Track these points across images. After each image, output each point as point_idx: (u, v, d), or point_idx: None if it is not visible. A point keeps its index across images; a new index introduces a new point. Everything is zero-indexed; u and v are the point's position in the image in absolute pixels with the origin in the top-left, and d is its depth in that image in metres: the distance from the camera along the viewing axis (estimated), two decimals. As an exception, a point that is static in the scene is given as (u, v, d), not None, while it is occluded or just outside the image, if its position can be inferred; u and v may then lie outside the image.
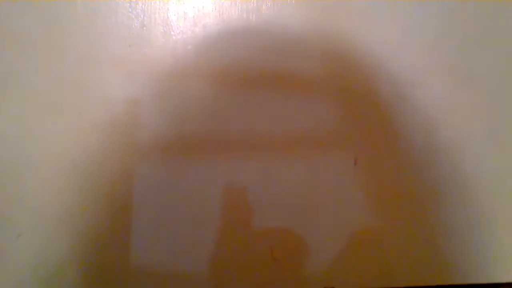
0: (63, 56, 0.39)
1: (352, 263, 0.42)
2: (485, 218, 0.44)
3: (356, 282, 0.42)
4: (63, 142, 0.39)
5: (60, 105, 0.39)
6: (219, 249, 0.40)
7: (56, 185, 0.39)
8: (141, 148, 0.40)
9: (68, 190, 0.39)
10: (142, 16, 0.40)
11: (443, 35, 0.44)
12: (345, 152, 0.42)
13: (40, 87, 0.39)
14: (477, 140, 0.44)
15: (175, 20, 0.41)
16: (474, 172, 0.44)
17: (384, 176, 0.43)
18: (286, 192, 0.42)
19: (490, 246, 0.44)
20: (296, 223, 0.42)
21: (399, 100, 0.43)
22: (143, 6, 0.40)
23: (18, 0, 0.39)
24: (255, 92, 0.42)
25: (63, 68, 0.39)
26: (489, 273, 0.43)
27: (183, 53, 0.41)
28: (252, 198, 0.41)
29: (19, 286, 0.38)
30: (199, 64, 0.41)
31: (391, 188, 0.43)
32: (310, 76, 0.42)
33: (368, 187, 0.42)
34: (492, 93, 0.44)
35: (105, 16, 0.40)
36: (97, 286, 0.39)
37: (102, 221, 0.39)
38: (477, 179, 0.44)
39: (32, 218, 0.38)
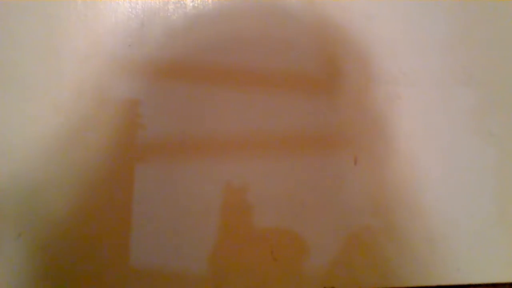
0: (63, 56, 0.39)
1: (352, 263, 0.42)
2: (485, 218, 0.44)
3: (356, 282, 0.42)
4: (63, 142, 0.39)
5: (60, 105, 0.39)
6: (219, 249, 0.40)
7: (56, 185, 0.39)
8: (141, 148, 0.40)
9: (68, 190, 0.39)
10: (142, 16, 0.40)
11: (443, 35, 0.44)
12: (345, 152, 0.42)
13: (40, 87, 0.39)
14: (477, 140, 0.44)
15: (175, 20, 0.41)
16: (474, 172, 0.44)
17: (384, 176, 0.43)
18: (286, 192, 0.42)
19: (490, 246, 0.44)
20: (296, 223, 0.42)
21: (399, 100, 0.43)
22: (143, 6, 0.40)
23: (18, 0, 0.39)
24: (255, 92, 0.42)
25: (63, 68, 0.39)
26: (489, 273, 0.43)
27: (183, 53, 0.41)
28: (252, 198, 0.41)
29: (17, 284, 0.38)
30: (199, 64, 0.41)
31: (391, 188, 0.43)
32: (310, 76, 0.42)
33: (368, 187, 0.42)
34: (492, 93, 0.44)
35: (105, 16, 0.40)
36: (97, 286, 0.39)
37: (102, 221, 0.39)
38: (477, 179, 0.44)
39: (32, 218, 0.38)
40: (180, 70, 0.41)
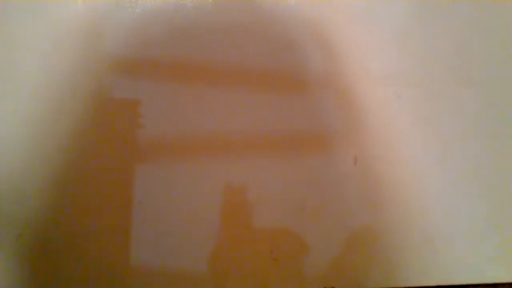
0: (63, 56, 0.39)
1: (352, 263, 0.42)
2: (485, 218, 0.44)
3: (356, 282, 0.42)
4: (63, 142, 0.39)
5: (60, 105, 0.39)
6: (219, 249, 0.40)
7: (56, 185, 0.39)
8: (141, 148, 0.40)
9: (68, 189, 0.39)
10: (142, 16, 0.40)
11: (443, 35, 0.44)
12: (345, 152, 0.42)
13: (40, 87, 0.39)
14: (476, 139, 0.44)
15: (175, 20, 0.41)
16: (474, 171, 0.44)
17: (384, 176, 0.43)
18: (286, 192, 0.42)
19: (490, 246, 0.44)
20: (296, 223, 0.42)
21: (399, 100, 0.43)
22: (143, 6, 0.40)
23: (18, 0, 0.39)
24: (255, 92, 0.42)
25: (63, 68, 0.39)
26: (489, 273, 0.43)
27: (183, 53, 0.41)
28: (252, 198, 0.41)
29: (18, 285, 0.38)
30: (199, 64, 0.41)
31: (391, 188, 0.43)
32: (311, 76, 0.42)
33: (368, 187, 0.42)
34: (491, 93, 0.44)
35: (105, 16, 0.40)
36: (97, 286, 0.39)
37: (102, 221, 0.39)
38: (477, 179, 0.44)
39: (32, 218, 0.38)
40: (180, 70, 0.41)
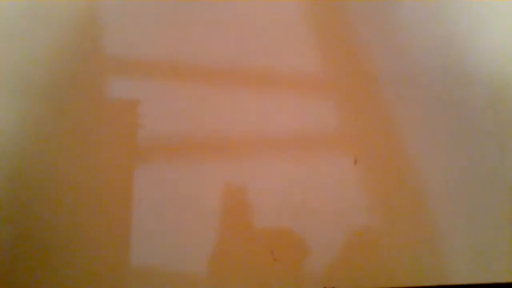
0: (63, 55, 0.39)
1: (352, 263, 0.42)
2: (485, 218, 0.44)
3: (356, 282, 0.42)
4: (63, 142, 0.39)
5: (60, 105, 0.39)
6: (219, 249, 0.40)
7: (56, 185, 0.39)
8: (141, 148, 0.40)
9: (68, 189, 0.39)
10: (142, 17, 0.40)
11: (444, 35, 0.44)
12: (345, 152, 0.42)
13: (40, 87, 0.39)
14: (476, 139, 0.44)
15: (174, 20, 0.41)
16: (473, 171, 0.44)
17: (384, 176, 0.43)
18: (286, 192, 0.42)
19: (490, 246, 0.44)
20: (296, 223, 0.42)
21: (399, 100, 0.43)
22: (143, 6, 0.40)
23: (18, 0, 0.39)
24: (255, 92, 0.42)
25: (63, 68, 0.39)
26: (489, 273, 0.43)
27: (183, 53, 0.41)
28: (252, 198, 0.41)
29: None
30: (198, 64, 0.41)
31: (391, 188, 0.43)
32: (310, 76, 0.42)
33: (368, 187, 0.42)
34: (491, 93, 0.44)
35: (105, 16, 0.40)
36: (97, 286, 0.39)
37: (102, 221, 0.39)
38: (477, 178, 0.44)
39: (32, 218, 0.38)
40: (180, 70, 0.41)
